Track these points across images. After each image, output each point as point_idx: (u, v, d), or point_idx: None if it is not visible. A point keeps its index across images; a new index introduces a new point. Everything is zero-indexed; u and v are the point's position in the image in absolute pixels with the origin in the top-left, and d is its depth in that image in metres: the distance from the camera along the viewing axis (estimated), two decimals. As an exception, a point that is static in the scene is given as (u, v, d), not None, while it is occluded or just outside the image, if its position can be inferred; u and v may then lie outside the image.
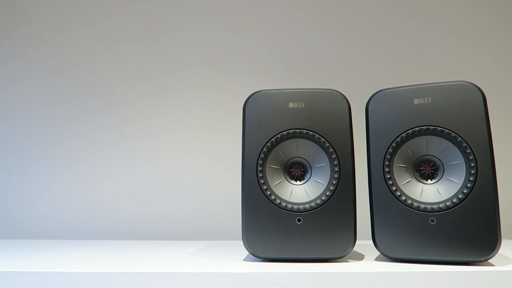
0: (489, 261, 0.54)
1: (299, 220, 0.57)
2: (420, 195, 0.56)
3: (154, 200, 1.05)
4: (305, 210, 0.57)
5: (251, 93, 0.62)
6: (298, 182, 0.61)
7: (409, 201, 0.56)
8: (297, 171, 0.62)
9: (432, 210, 0.54)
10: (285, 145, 0.60)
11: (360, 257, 0.62)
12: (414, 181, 0.58)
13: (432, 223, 0.54)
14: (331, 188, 0.57)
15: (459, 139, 0.55)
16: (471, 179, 0.53)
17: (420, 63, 1.06)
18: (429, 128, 0.56)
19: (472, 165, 0.53)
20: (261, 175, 0.59)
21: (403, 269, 0.52)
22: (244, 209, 0.59)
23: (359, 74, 1.06)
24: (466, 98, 0.55)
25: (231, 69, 1.09)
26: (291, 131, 0.59)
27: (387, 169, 0.57)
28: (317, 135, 0.59)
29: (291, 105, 0.60)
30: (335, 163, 0.58)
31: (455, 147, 0.55)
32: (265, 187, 0.59)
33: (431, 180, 0.58)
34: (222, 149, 1.06)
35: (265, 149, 0.59)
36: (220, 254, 0.69)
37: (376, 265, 0.55)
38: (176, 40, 1.11)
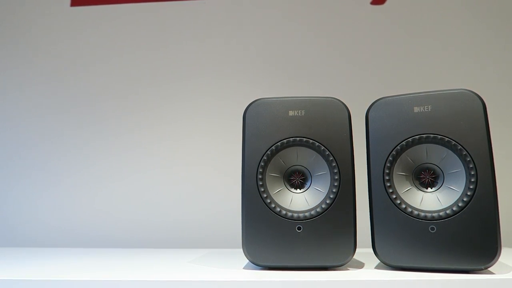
0: (489, 269, 0.54)
1: (299, 228, 0.57)
2: (420, 203, 0.56)
3: (153, 208, 1.05)
4: (305, 218, 0.57)
5: (251, 101, 0.62)
6: (298, 190, 0.61)
7: (409, 209, 0.56)
8: (297, 179, 0.61)
9: (432, 218, 0.54)
10: (285, 153, 0.60)
11: (360, 265, 0.62)
12: (414, 189, 0.58)
13: (432, 231, 0.54)
14: (331, 196, 0.57)
15: (459, 147, 0.55)
16: (471, 187, 0.53)
17: (420, 71, 1.06)
18: (429, 136, 0.56)
19: (472, 173, 0.53)
20: (261, 183, 0.59)
21: (403, 277, 0.51)
22: (244, 217, 0.59)
23: (359, 82, 1.06)
24: (466, 106, 0.55)
25: (231, 77, 1.09)
26: (291, 139, 0.59)
27: (387, 177, 0.57)
28: (317, 143, 0.59)
29: (291, 113, 0.60)
30: (335, 171, 0.58)
31: (455, 155, 0.55)
32: (265, 195, 0.58)
33: (431, 188, 0.58)
34: (222, 157, 1.06)
35: (265, 157, 0.59)
36: (220, 262, 0.68)
37: (376, 273, 0.55)
38: (177, 49, 1.11)
